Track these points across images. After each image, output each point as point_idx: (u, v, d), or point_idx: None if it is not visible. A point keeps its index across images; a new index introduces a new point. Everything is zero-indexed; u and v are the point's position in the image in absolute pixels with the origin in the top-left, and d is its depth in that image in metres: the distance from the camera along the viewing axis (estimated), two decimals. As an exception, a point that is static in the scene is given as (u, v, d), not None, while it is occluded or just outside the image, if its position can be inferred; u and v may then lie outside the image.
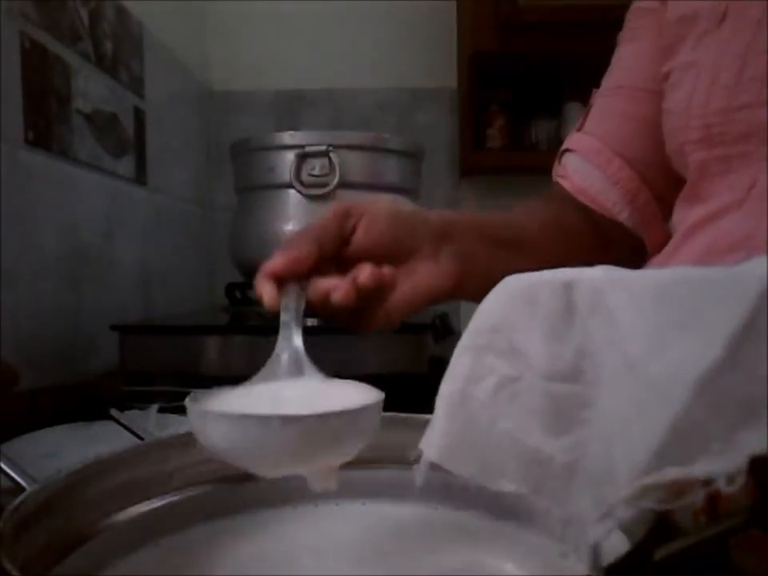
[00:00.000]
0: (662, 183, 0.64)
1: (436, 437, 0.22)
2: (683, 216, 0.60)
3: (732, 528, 0.24)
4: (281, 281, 0.42)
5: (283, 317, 0.39)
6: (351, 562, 0.33)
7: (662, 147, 0.61)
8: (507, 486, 0.24)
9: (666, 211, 0.67)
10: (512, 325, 0.21)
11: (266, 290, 0.42)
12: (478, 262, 0.54)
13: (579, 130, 0.69)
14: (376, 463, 0.39)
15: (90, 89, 0.96)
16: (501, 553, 0.33)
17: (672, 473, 0.17)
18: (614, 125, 0.66)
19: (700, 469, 0.17)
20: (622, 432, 0.18)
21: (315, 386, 0.35)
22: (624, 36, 0.68)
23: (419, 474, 0.24)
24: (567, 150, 0.69)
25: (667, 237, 0.67)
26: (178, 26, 1.40)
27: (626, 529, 0.20)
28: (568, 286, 0.20)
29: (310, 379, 0.36)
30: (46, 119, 0.84)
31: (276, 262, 0.43)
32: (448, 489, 0.38)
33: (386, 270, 0.45)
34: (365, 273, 0.44)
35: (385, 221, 0.48)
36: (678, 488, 0.17)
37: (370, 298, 0.45)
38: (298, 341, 0.37)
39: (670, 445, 0.16)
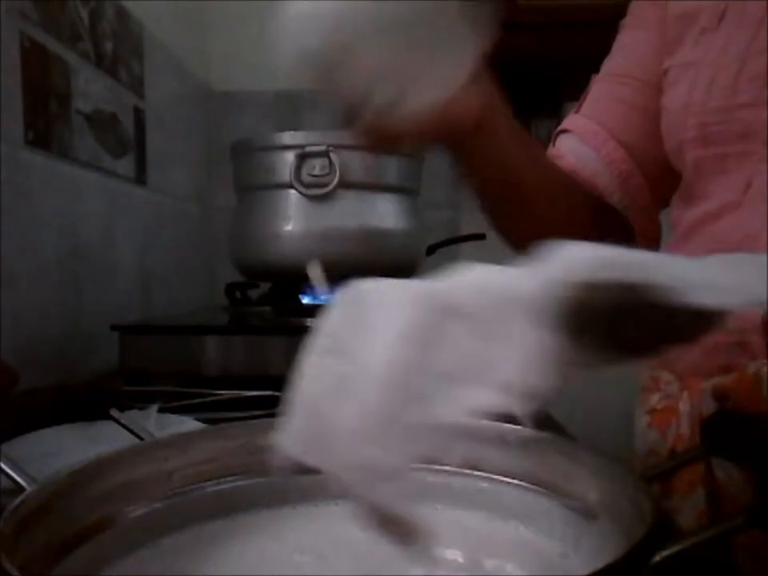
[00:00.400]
0: (658, 172, 0.64)
1: (288, 431, 0.23)
2: (680, 216, 0.60)
3: (732, 528, 0.24)
4: None
5: None
6: (351, 561, 0.33)
7: (659, 138, 0.61)
8: (348, 476, 0.25)
9: (660, 202, 0.67)
10: (339, 327, 0.23)
11: None
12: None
13: (577, 112, 0.69)
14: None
15: (90, 89, 0.96)
16: (501, 553, 0.33)
17: (379, 457, 0.21)
18: (611, 109, 0.66)
19: (394, 458, 0.21)
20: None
21: None
22: (627, 22, 0.68)
23: (276, 462, 0.25)
24: (563, 131, 0.69)
25: (656, 226, 0.67)
26: (178, 26, 1.40)
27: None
28: (369, 290, 0.23)
29: None
30: (45, 119, 0.84)
31: None
32: (448, 489, 0.38)
33: None
34: None
35: None
36: None
37: None
38: None
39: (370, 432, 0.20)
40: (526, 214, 0.64)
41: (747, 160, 0.53)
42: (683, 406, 0.57)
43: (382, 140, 0.53)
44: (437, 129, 0.53)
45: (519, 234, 0.67)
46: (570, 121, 0.69)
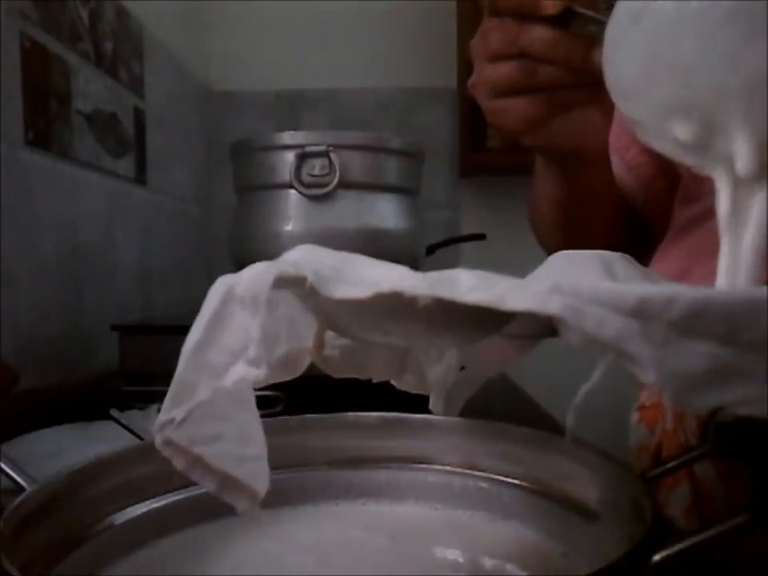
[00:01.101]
0: (680, 176, 0.64)
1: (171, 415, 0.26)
2: (677, 214, 0.60)
3: (732, 528, 0.24)
4: None
5: None
6: (351, 561, 0.33)
7: None
8: None
9: None
10: None
11: None
12: None
13: None
14: (376, 463, 0.39)
15: (90, 89, 0.96)
16: (501, 552, 0.33)
17: (171, 413, 0.24)
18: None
19: (179, 412, 0.24)
20: None
21: None
22: None
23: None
24: None
25: None
26: (178, 26, 1.40)
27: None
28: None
29: None
30: (45, 119, 0.84)
31: None
32: (448, 489, 0.38)
33: None
34: None
35: None
36: None
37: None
38: None
39: (174, 394, 0.24)
40: (589, 233, 0.63)
41: None
42: (668, 402, 0.58)
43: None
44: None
45: (567, 244, 0.66)
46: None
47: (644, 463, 0.61)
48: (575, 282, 0.22)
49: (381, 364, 0.34)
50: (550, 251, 0.67)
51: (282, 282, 0.24)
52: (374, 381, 0.35)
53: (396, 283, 0.23)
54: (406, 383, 0.36)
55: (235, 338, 0.25)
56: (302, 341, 0.32)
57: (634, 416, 0.65)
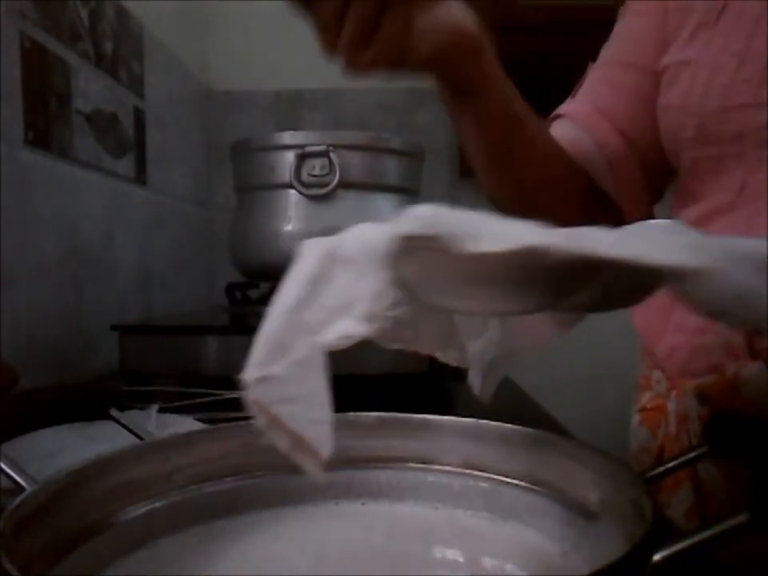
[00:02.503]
0: (654, 161, 0.63)
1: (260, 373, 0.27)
2: (677, 216, 0.60)
3: (732, 528, 0.24)
4: None
5: None
6: (351, 561, 0.33)
7: (655, 124, 0.60)
8: None
9: (654, 192, 0.66)
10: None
11: None
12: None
13: (572, 98, 0.68)
14: (376, 463, 0.39)
15: (90, 89, 0.96)
16: (501, 552, 0.33)
17: (262, 370, 0.25)
18: (609, 95, 0.65)
19: (276, 369, 0.25)
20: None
21: None
22: (627, 9, 0.67)
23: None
24: (558, 117, 0.68)
25: (648, 216, 0.66)
26: (178, 26, 1.40)
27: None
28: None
29: None
30: (45, 119, 0.84)
31: None
32: (448, 489, 0.38)
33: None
34: None
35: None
36: None
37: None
38: None
39: (266, 351, 0.25)
40: (521, 169, 0.63)
41: (742, 161, 0.53)
42: (671, 406, 0.57)
43: (394, 56, 0.51)
44: (444, 45, 0.52)
45: (507, 193, 0.66)
46: (565, 106, 0.68)
47: (646, 465, 0.60)
48: (710, 239, 0.22)
49: (427, 336, 0.34)
50: (498, 205, 0.68)
51: (410, 241, 0.23)
52: (422, 353, 0.35)
53: (541, 239, 0.22)
54: (449, 356, 0.35)
55: (336, 298, 0.24)
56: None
57: (635, 418, 0.64)
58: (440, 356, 0.35)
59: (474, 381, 0.35)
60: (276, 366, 0.24)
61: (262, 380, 0.25)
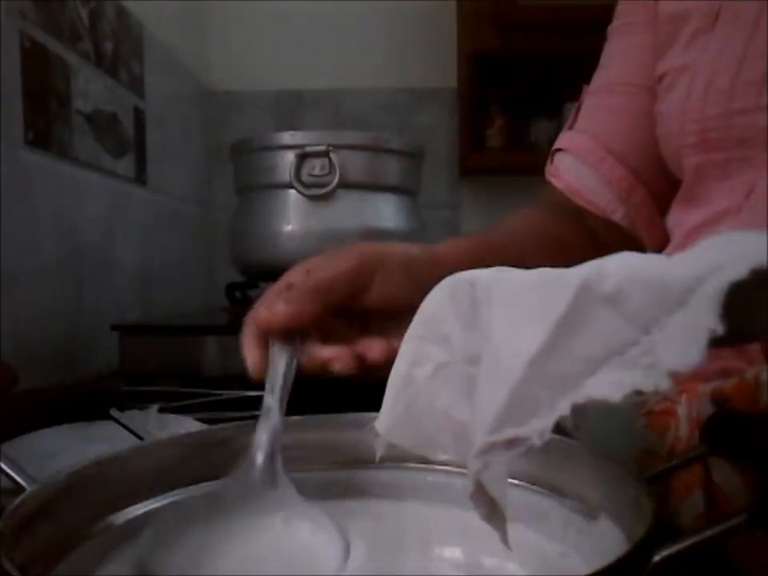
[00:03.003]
0: (658, 180, 0.63)
1: (385, 414, 0.26)
2: (680, 220, 0.59)
3: (732, 528, 0.24)
4: (271, 337, 0.38)
5: (266, 399, 0.35)
6: (352, 561, 0.33)
7: (656, 143, 0.60)
8: (442, 455, 0.28)
9: (664, 208, 0.66)
10: (442, 317, 0.25)
11: (251, 354, 0.39)
12: None
13: (570, 128, 0.68)
14: (376, 463, 0.39)
15: (90, 89, 0.96)
16: (500, 551, 0.33)
17: (508, 432, 0.21)
18: (605, 122, 0.65)
19: (528, 429, 0.21)
20: (481, 400, 0.23)
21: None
22: (614, 30, 0.67)
23: (378, 446, 0.28)
24: (559, 150, 0.68)
25: (665, 236, 0.66)
26: (177, 26, 1.40)
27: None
28: (472, 284, 0.25)
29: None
30: (46, 119, 0.84)
31: (271, 315, 0.38)
32: (448, 489, 0.38)
33: (396, 343, 0.37)
34: (375, 350, 0.39)
35: (400, 275, 0.43)
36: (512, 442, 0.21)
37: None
38: (275, 442, 0.34)
39: (508, 410, 0.21)
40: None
41: (748, 165, 0.52)
42: (681, 410, 0.57)
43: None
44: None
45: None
46: (566, 138, 0.68)
47: (655, 468, 0.60)
48: None
49: None
50: None
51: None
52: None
53: None
54: None
55: (596, 342, 0.20)
56: None
57: (640, 421, 0.64)
58: None
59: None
60: (530, 426, 0.21)
61: (504, 444, 0.21)
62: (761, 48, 0.50)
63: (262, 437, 0.35)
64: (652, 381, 0.19)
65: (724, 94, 0.52)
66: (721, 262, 0.19)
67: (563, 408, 0.20)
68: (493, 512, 0.24)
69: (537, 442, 0.20)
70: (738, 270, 0.19)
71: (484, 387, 0.22)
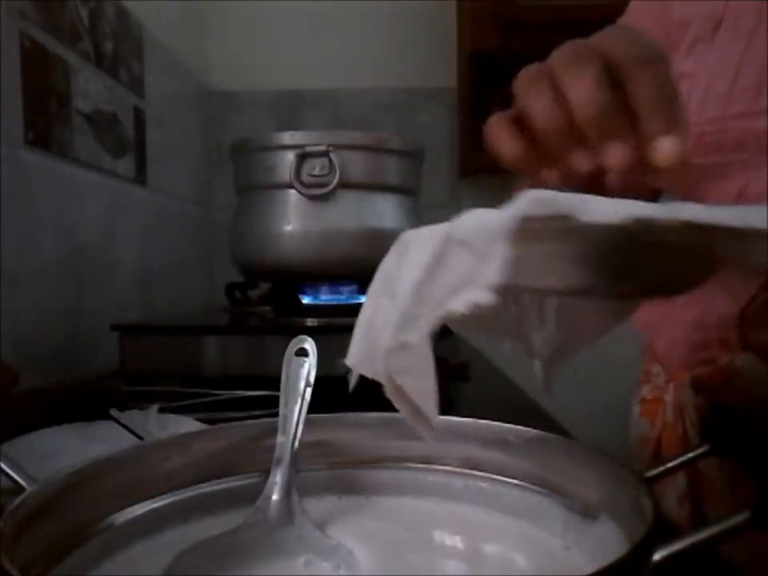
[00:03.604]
0: None
1: (353, 352, 0.30)
2: None
3: (732, 528, 0.24)
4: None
5: (280, 437, 0.36)
6: (355, 549, 0.33)
7: None
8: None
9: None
10: (393, 274, 0.29)
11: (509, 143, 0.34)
12: None
13: None
14: (376, 463, 0.39)
15: (90, 89, 0.96)
16: (508, 544, 0.33)
17: (400, 338, 0.27)
18: None
19: (412, 337, 0.27)
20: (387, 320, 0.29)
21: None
22: (624, 21, 0.69)
23: (350, 380, 0.31)
24: None
25: None
26: (177, 26, 1.40)
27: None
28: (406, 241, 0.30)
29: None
30: (45, 119, 0.84)
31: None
32: (448, 488, 0.38)
33: None
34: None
35: None
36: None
37: None
38: (291, 478, 0.35)
39: (399, 324, 0.27)
40: None
41: (743, 168, 0.53)
42: (668, 397, 0.60)
43: None
44: None
45: None
46: None
47: (646, 455, 0.62)
48: None
49: (500, 326, 0.36)
50: None
51: (528, 222, 0.25)
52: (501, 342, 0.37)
53: (643, 211, 0.24)
54: (518, 347, 0.37)
55: (456, 276, 0.27)
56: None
57: (635, 409, 0.66)
58: (510, 344, 0.37)
59: (538, 374, 0.37)
60: (409, 334, 0.27)
61: (396, 349, 0.27)
62: (757, 56, 0.51)
63: (277, 472, 0.35)
64: (483, 297, 0.25)
65: (722, 99, 0.53)
66: (518, 208, 0.25)
67: (435, 321, 0.27)
68: (414, 413, 0.29)
69: (419, 344, 0.27)
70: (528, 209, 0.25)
71: (389, 312, 0.28)
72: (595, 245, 0.27)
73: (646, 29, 0.65)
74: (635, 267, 0.28)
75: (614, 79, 0.32)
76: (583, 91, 0.32)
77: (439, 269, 0.27)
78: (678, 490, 0.56)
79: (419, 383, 0.28)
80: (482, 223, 0.26)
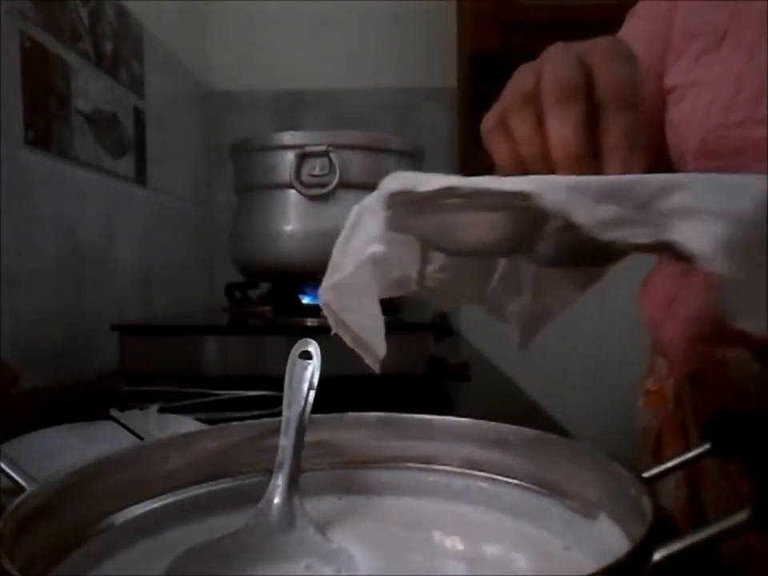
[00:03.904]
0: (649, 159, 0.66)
1: (324, 288, 0.37)
2: None
3: (732, 528, 0.24)
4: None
5: (282, 440, 0.36)
6: (356, 549, 0.33)
7: (652, 127, 0.63)
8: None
9: None
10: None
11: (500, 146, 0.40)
12: None
13: None
14: (376, 463, 0.39)
15: (90, 89, 0.96)
16: (508, 544, 0.33)
17: (335, 278, 0.37)
18: None
19: (342, 275, 0.36)
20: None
21: None
22: (635, 12, 0.70)
23: (327, 316, 0.37)
24: None
25: None
26: (177, 26, 1.40)
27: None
28: (360, 208, 0.36)
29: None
30: (46, 119, 0.84)
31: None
32: (448, 488, 0.38)
33: None
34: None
35: None
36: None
37: None
38: (293, 481, 0.35)
39: (333, 269, 0.37)
40: None
41: (744, 173, 0.55)
42: (669, 389, 0.63)
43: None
44: None
45: None
46: None
47: (648, 445, 0.65)
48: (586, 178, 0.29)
49: (469, 291, 0.43)
50: None
51: (394, 196, 0.33)
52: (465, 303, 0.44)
53: (455, 182, 0.31)
54: (489, 309, 0.43)
55: (367, 233, 0.35)
56: (409, 270, 0.41)
57: (639, 401, 0.69)
58: (480, 306, 0.43)
59: (512, 335, 0.42)
60: (336, 277, 0.35)
61: (330, 288, 0.36)
62: (759, 67, 0.54)
63: (279, 476, 0.35)
64: (374, 248, 0.34)
65: (724, 108, 0.56)
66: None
67: (356, 261, 0.35)
68: (356, 342, 0.36)
69: (348, 277, 0.35)
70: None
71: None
72: (490, 214, 0.33)
73: (652, 24, 0.66)
74: (528, 234, 0.33)
75: (592, 115, 0.37)
76: (561, 133, 0.37)
77: (358, 228, 0.35)
78: (677, 486, 0.58)
79: (363, 320, 0.36)
80: (381, 193, 0.34)
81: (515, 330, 0.42)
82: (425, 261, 0.40)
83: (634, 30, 0.69)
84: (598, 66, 0.38)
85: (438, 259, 0.40)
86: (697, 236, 0.26)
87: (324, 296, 0.36)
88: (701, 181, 0.28)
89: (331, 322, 0.36)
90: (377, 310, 0.35)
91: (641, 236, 0.27)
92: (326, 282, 0.36)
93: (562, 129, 0.37)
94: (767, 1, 0.54)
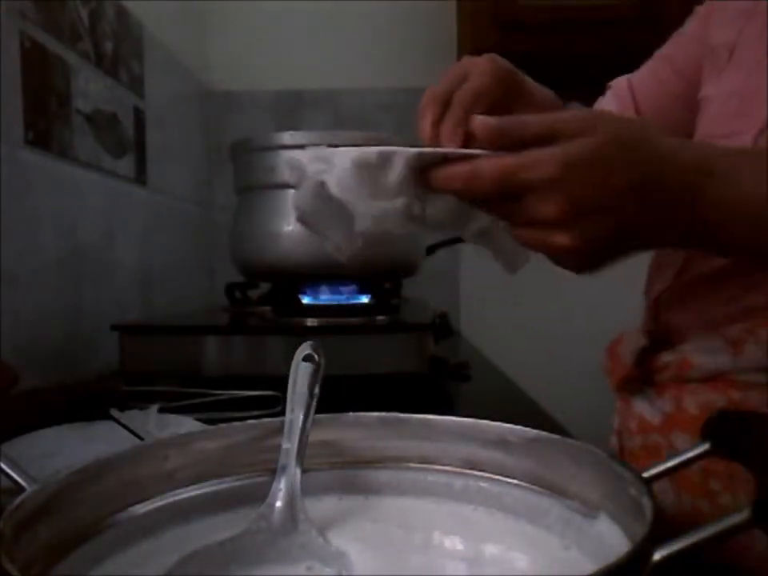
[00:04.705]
0: None
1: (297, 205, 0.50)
2: None
3: (732, 528, 0.24)
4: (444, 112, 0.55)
5: (285, 443, 0.36)
6: (356, 549, 0.33)
7: (677, 124, 0.68)
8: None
9: None
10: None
11: (426, 116, 0.55)
12: None
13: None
14: (376, 463, 0.39)
15: (90, 89, 0.96)
16: (508, 544, 0.33)
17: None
18: (647, 83, 0.74)
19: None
20: None
21: None
22: (696, 11, 0.73)
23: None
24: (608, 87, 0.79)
25: None
26: (178, 26, 1.40)
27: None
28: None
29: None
30: (46, 119, 0.84)
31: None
32: (448, 488, 0.38)
33: None
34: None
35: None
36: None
37: None
38: (296, 484, 0.35)
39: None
40: None
41: None
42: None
43: None
44: None
45: None
46: (619, 78, 0.77)
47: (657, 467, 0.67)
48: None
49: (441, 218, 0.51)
50: None
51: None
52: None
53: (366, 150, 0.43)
54: (466, 236, 0.50)
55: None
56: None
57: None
58: (459, 234, 0.50)
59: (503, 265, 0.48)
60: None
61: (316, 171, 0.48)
62: (758, 84, 0.57)
63: (281, 479, 0.35)
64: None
65: (727, 120, 0.60)
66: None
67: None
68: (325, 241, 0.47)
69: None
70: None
71: None
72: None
73: (694, 28, 0.69)
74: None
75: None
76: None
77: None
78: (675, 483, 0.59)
79: (328, 230, 0.48)
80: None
81: (499, 257, 0.48)
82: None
83: (682, 29, 0.72)
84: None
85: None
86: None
87: (311, 167, 0.51)
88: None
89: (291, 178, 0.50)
90: (350, 218, 0.48)
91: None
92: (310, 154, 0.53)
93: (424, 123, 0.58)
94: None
